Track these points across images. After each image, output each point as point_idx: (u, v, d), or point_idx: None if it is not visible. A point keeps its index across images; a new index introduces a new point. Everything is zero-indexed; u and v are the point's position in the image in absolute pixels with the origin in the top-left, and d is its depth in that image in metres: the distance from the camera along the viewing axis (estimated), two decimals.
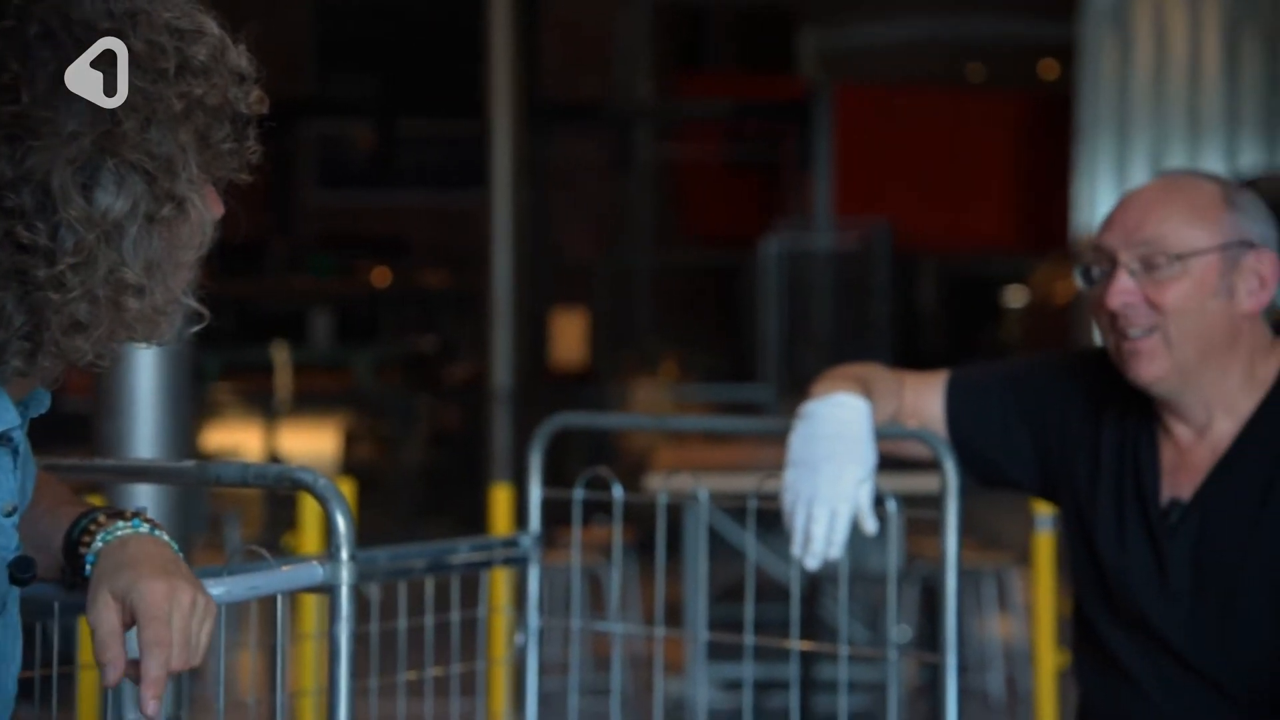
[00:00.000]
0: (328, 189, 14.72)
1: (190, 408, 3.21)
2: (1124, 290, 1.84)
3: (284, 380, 10.45)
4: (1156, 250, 1.83)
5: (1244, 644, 1.85)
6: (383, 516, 10.12)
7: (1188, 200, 1.85)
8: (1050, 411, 2.00)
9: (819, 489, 1.82)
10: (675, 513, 7.00)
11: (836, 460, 1.84)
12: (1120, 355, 1.87)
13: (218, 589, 1.40)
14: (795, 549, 1.85)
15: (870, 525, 1.86)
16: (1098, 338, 1.99)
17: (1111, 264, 1.86)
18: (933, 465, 1.94)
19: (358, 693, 1.47)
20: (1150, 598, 1.89)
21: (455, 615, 2.12)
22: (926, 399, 2.04)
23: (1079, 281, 1.93)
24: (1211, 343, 1.85)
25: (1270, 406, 1.87)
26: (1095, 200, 12.35)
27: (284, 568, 1.46)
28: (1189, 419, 1.90)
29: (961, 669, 1.92)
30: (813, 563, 1.83)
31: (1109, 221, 1.89)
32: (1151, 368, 1.85)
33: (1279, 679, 1.84)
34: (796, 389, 9.89)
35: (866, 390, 1.93)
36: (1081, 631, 1.99)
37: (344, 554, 1.44)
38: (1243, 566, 1.85)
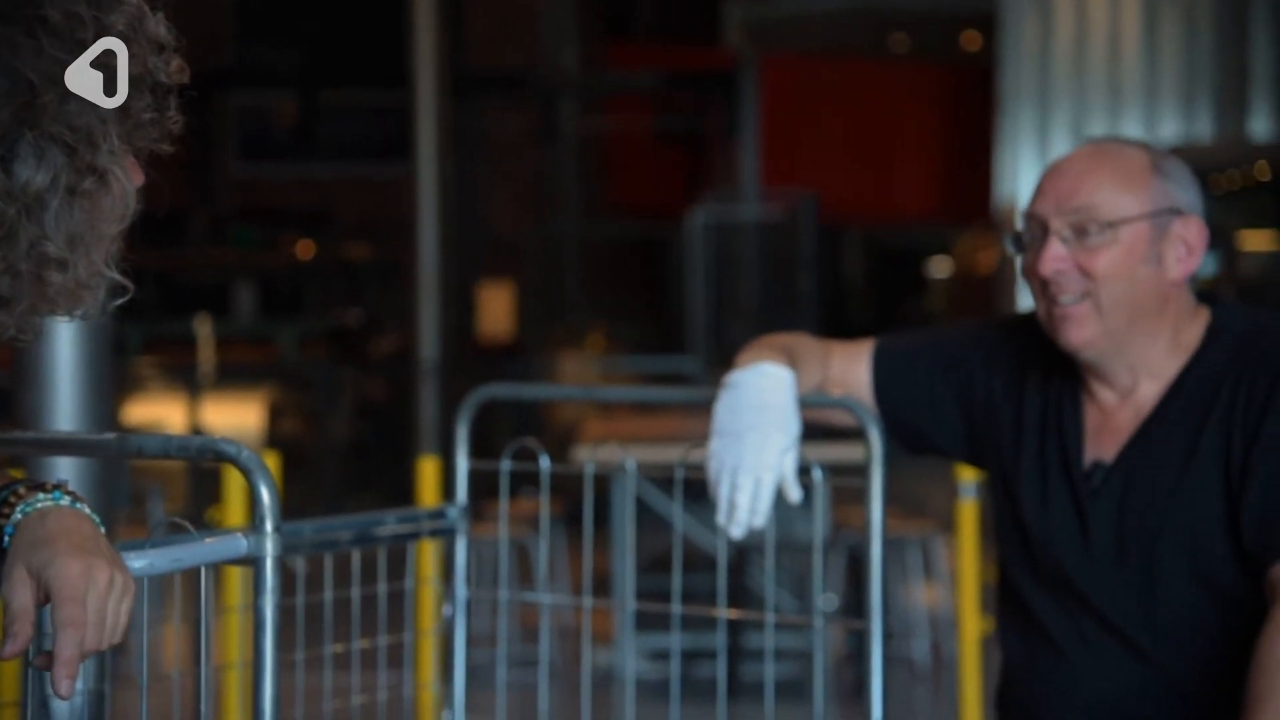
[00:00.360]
0: (249, 161, 14.58)
1: (111, 381, 3.17)
2: (1056, 257, 1.86)
3: (207, 354, 10.34)
4: (1088, 218, 1.85)
5: (1163, 606, 1.87)
6: (309, 491, 10.05)
7: (1118, 168, 1.87)
8: (975, 378, 2.01)
9: (743, 458, 1.83)
10: (603, 484, 6.99)
11: (760, 429, 1.84)
12: (1051, 321, 1.89)
13: (139, 562, 1.39)
14: (720, 518, 1.86)
15: (795, 494, 1.87)
16: (1021, 307, 2.02)
17: (1043, 231, 1.88)
18: (858, 434, 1.95)
19: (284, 666, 1.46)
20: (1073, 560, 1.90)
21: (382, 587, 2.12)
22: (854, 368, 2.05)
23: (1009, 248, 1.95)
24: (1141, 309, 1.87)
25: (1193, 371, 1.89)
26: (1017, 171, 12.45)
27: (207, 540, 1.46)
28: (1114, 383, 1.92)
29: (887, 636, 1.94)
30: (737, 531, 1.84)
31: (1040, 189, 1.91)
32: (1082, 333, 1.87)
33: (1197, 641, 1.86)
34: (724, 360, 9.90)
35: (791, 359, 1.94)
36: (1006, 596, 2.01)
37: (268, 526, 1.44)
38: (1163, 529, 1.86)
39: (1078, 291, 1.86)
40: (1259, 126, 12.21)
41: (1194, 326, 1.91)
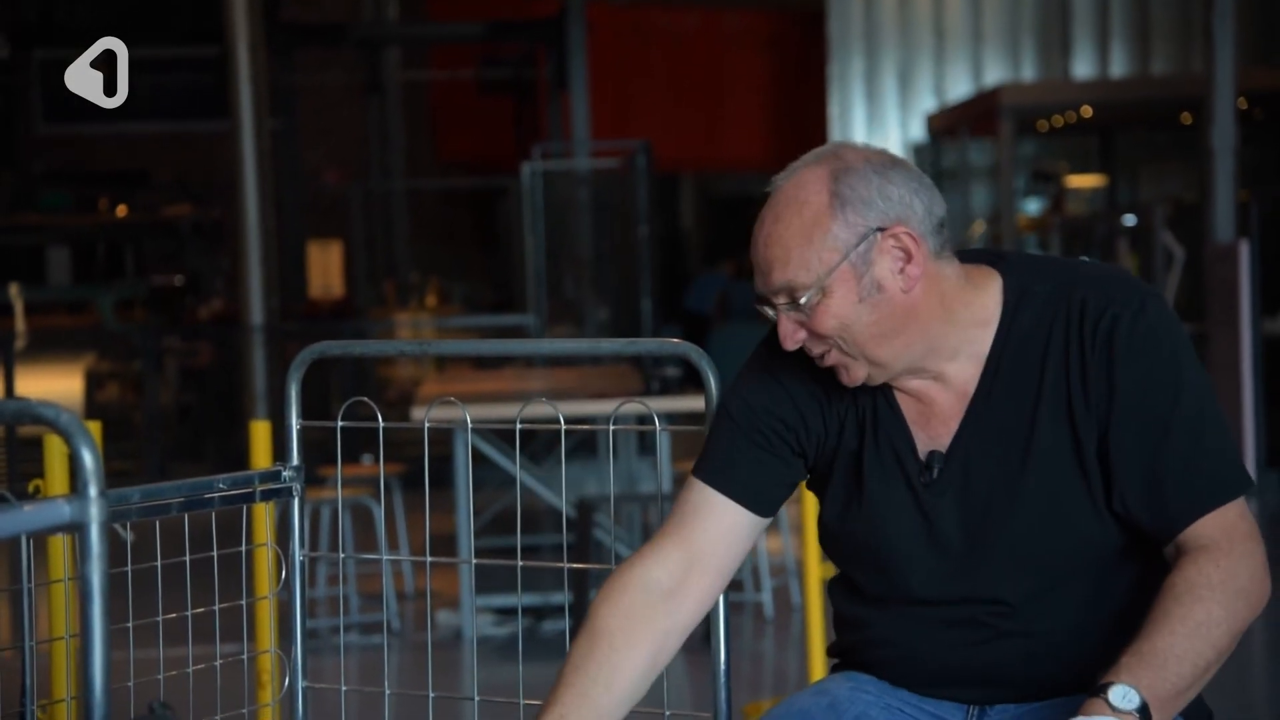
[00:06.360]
0: (57, 122, 14.05)
1: None
2: (790, 333, 1.84)
3: (21, 322, 9.97)
4: (790, 292, 1.82)
5: (1022, 579, 1.83)
6: (136, 462, 9.76)
7: (797, 228, 1.81)
8: (791, 424, 1.93)
9: None
10: (446, 446, 6.79)
11: None
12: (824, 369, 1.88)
13: None
14: None
15: None
16: None
17: (773, 306, 1.86)
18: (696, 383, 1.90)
19: (114, 636, 1.38)
20: (919, 558, 1.86)
21: (215, 552, 2.03)
22: (709, 520, 1.92)
23: (768, 315, 1.88)
24: (891, 331, 1.82)
25: (1006, 342, 1.84)
26: (848, 117, 12.57)
27: (27, 508, 1.37)
28: (919, 376, 1.87)
29: (733, 584, 1.90)
30: None
31: (754, 266, 1.88)
32: (854, 376, 1.85)
33: (1060, 604, 1.83)
34: (559, 314, 9.84)
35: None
36: (849, 594, 1.96)
37: (92, 490, 1.35)
38: (1013, 506, 1.82)
39: (825, 348, 1.84)
40: (1082, 68, 12.47)
41: (986, 297, 1.85)
